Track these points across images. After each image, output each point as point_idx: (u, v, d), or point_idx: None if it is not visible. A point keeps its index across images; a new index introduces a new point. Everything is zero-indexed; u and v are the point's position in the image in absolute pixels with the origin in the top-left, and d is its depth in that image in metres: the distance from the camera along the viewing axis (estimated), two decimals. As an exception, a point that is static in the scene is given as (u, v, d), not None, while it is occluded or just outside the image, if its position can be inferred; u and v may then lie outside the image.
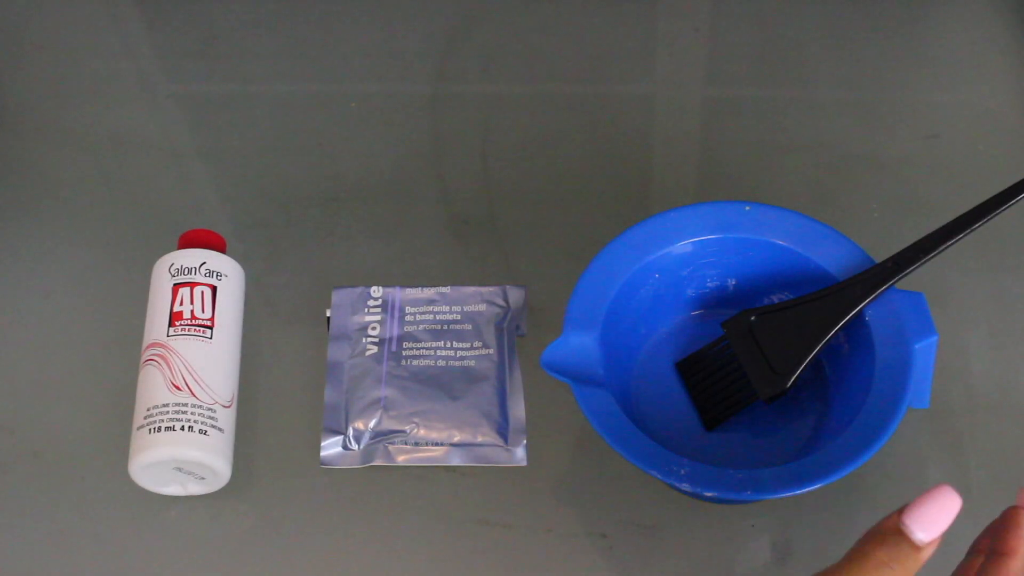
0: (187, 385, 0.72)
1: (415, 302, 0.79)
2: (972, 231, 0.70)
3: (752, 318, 0.72)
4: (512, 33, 0.95)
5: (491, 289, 0.80)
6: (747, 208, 0.74)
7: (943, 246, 0.70)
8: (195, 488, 0.73)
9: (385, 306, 0.79)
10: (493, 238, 0.84)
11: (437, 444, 0.75)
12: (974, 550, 0.58)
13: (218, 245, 0.78)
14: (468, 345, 0.78)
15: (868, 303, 0.70)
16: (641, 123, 0.90)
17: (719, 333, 0.74)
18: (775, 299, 0.75)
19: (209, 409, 0.72)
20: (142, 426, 0.71)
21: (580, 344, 0.70)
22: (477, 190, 0.87)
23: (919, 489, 0.72)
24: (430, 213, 0.86)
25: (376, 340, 0.78)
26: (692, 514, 0.72)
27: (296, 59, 0.94)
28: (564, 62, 0.93)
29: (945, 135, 0.88)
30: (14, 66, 0.95)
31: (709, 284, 0.76)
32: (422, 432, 0.75)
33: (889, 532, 0.53)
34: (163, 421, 0.71)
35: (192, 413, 0.71)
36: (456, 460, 0.75)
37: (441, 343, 0.78)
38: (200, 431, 0.71)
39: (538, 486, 0.74)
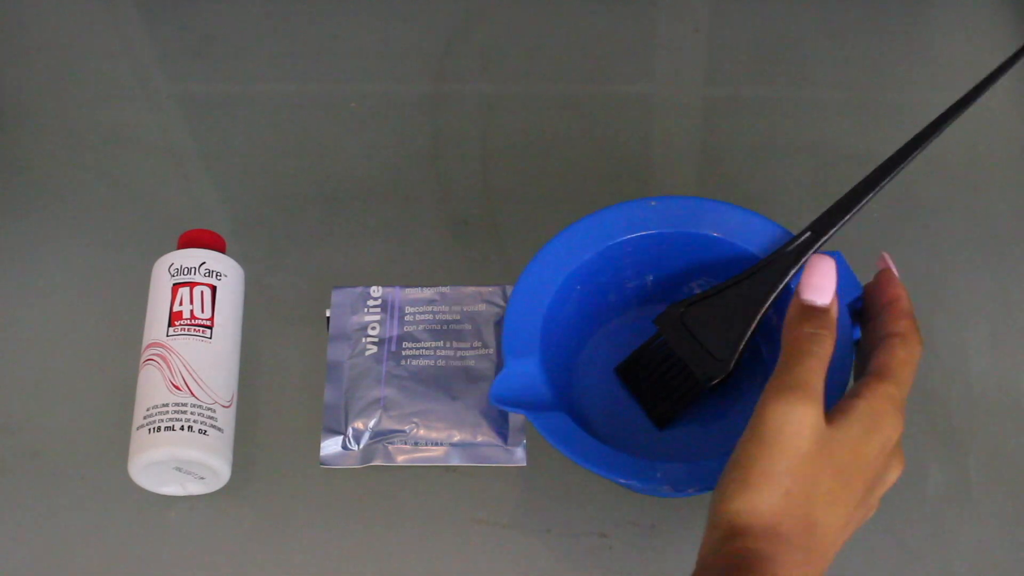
0: (187, 385, 0.72)
1: (415, 302, 0.79)
2: (882, 188, 0.69)
3: (682, 310, 0.71)
4: (512, 33, 0.95)
5: (491, 289, 0.80)
6: (653, 203, 0.73)
7: (857, 207, 0.69)
8: (195, 488, 0.73)
9: (385, 306, 0.79)
10: (493, 238, 0.84)
11: (437, 444, 0.75)
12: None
13: (218, 245, 0.78)
14: (468, 345, 0.78)
15: (792, 276, 0.69)
16: (641, 123, 0.90)
17: (652, 331, 0.73)
18: (697, 286, 0.75)
19: (209, 409, 0.72)
20: (142, 426, 0.71)
21: (523, 371, 0.69)
22: (477, 190, 0.87)
23: (919, 488, 0.73)
24: (430, 213, 0.86)
25: (376, 340, 0.78)
26: (691, 514, 0.72)
27: (296, 59, 0.94)
28: (564, 62, 0.93)
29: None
30: (14, 66, 0.95)
31: (628, 285, 0.75)
32: (422, 432, 0.75)
33: (801, 312, 0.61)
34: (163, 421, 0.71)
35: (192, 413, 0.71)
36: (456, 460, 0.75)
37: (441, 343, 0.78)
38: (200, 431, 0.71)
39: (537, 486, 0.74)
